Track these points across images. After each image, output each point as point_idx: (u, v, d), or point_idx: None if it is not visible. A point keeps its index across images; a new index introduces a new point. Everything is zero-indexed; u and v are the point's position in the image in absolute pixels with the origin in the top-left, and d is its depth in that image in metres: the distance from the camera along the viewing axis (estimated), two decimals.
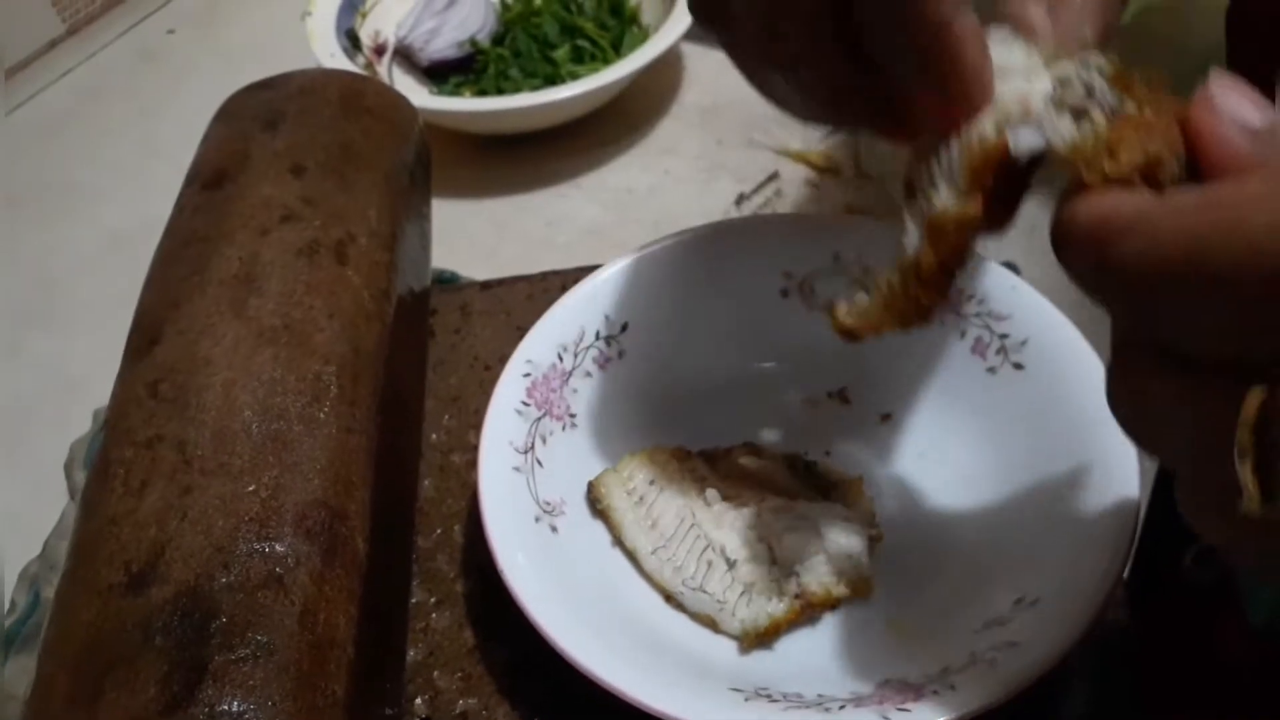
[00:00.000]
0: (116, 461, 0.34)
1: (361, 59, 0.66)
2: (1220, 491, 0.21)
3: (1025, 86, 0.27)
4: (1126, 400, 0.23)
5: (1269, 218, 0.19)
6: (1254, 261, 0.19)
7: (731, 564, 0.37)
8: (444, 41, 0.68)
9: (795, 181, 0.60)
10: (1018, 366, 0.39)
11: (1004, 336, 0.40)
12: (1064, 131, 0.25)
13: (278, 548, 0.31)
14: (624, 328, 0.43)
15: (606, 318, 0.43)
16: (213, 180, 0.41)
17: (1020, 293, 0.40)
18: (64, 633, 0.31)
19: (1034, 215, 0.52)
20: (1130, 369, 0.23)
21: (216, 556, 0.31)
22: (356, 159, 0.43)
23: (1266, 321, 0.20)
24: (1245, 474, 0.20)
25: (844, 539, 0.36)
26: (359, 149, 0.43)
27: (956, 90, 0.27)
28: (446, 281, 0.55)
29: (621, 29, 0.68)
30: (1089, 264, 0.23)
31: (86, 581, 0.31)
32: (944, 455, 0.41)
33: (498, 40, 0.69)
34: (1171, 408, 0.22)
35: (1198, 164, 0.23)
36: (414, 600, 0.40)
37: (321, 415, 0.35)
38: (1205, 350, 0.21)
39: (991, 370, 0.40)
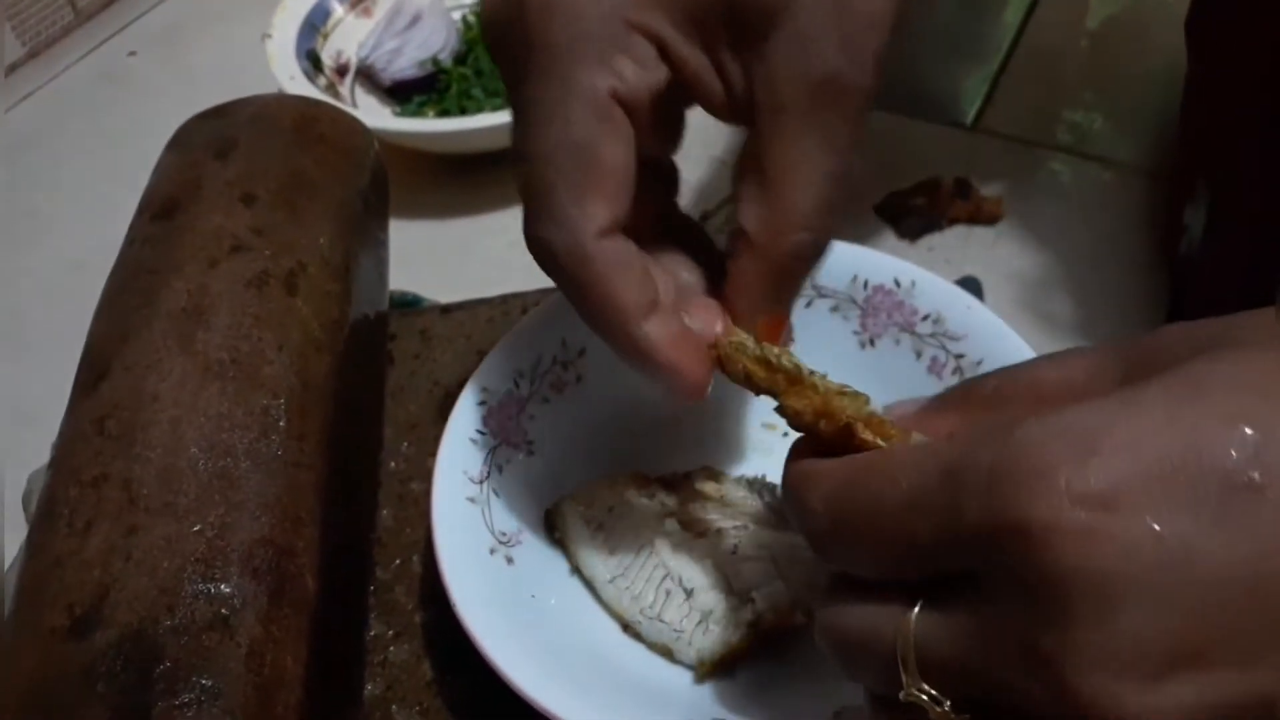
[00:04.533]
0: (62, 500, 0.33)
1: (323, 80, 0.66)
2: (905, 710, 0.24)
3: None
4: (825, 630, 0.26)
5: (889, 482, 0.24)
6: (873, 510, 0.24)
7: (689, 593, 0.37)
8: (406, 61, 0.67)
9: None
10: None
11: (959, 357, 0.40)
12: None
13: (224, 588, 0.31)
14: (581, 352, 0.43)
15: (564, 342, 0.42)
16: (163, 211, 0.41)
17: (975, 313, 0.40)
18: (7, 679, 0.30)
19: (997, 232, 0.53)
20: (826, 600, 0.27)
21: (161, 598, 0.30)
22: (309, 187, 0.42)
23: (901, 554, 0.24)
24: (915, 684, 0.23)
25: (801, 566, 0.36)
26: (311, 177, 0.43)
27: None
28: (408, 304, 0.55)
29: None
30: (793, 513, 0.27)
31: (30, 625, 0.31)
32: None
33: (460, 59, 0.69)
34: (858, 630, 0.25)
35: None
36: (372, 633, 0.39)
37: (269, 450, 0.34)
38: (871, 576, 0.25)
39: None
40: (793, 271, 0.33)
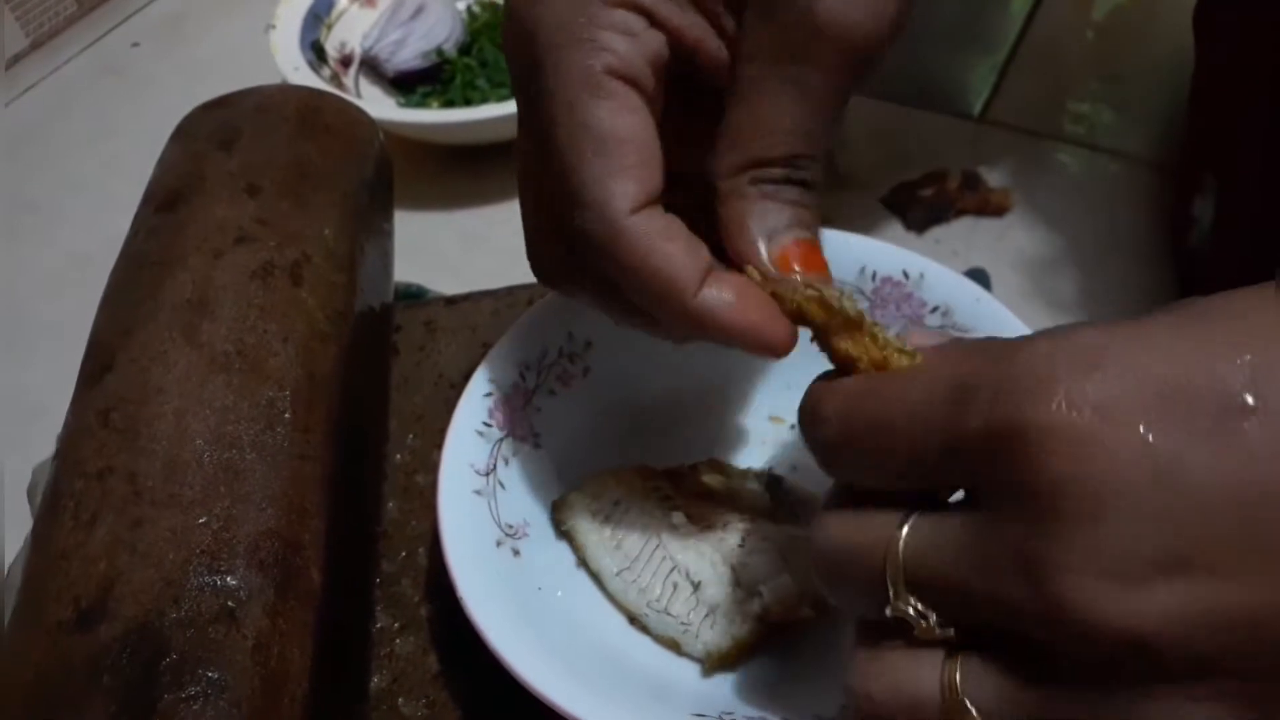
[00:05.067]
0: (67, 493, 0.33)
1: (327, 71, 0.66)
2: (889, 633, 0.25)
3: None
4: (818, 541, 0.27)
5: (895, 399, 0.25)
6: (883, 418, 0.25)
7: (696, 586, 0.37)
8: (410, 52, 0.67)
9: None
10: None
11: None
12: None
13: (229, 581, 0.31)
14: (588, 345, 0.42)
15: (570, 335, 0.42)
16: (167, 202, 0.41)
17: (984, 305, 0.40)
18: (12, 673, 0.30)
19: (1005, 223, 0.52)
20: (823, 513, 0.27)
21: (167, 591, 0.30)
22: (313, 178, 0.42)
23: (905, 464, 0.24)
24: (902, 597, 0.24)
25: (808, 558, 0.36)
26: (316, 167, 0.43)
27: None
28: (413, 296, 0.55)
29: None
30: (805, 424, 0.28)
31: (35, 619, 0.31)
32: None
33: (464, 50, 0.68)
34: (851, 539, 0.26)
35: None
36: (377, 626, 0.39)
37: (275, 442, 0.34)
38: (873, 485, 0.26)
39: None
40: (770, 192, 0.30)
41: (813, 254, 0.30)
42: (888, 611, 0.24)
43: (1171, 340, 0.22)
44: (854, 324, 0.28)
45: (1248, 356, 0.21)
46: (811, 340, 0.29)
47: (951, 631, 0.24)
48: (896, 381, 0.25)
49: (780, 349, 0.30)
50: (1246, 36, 0.48)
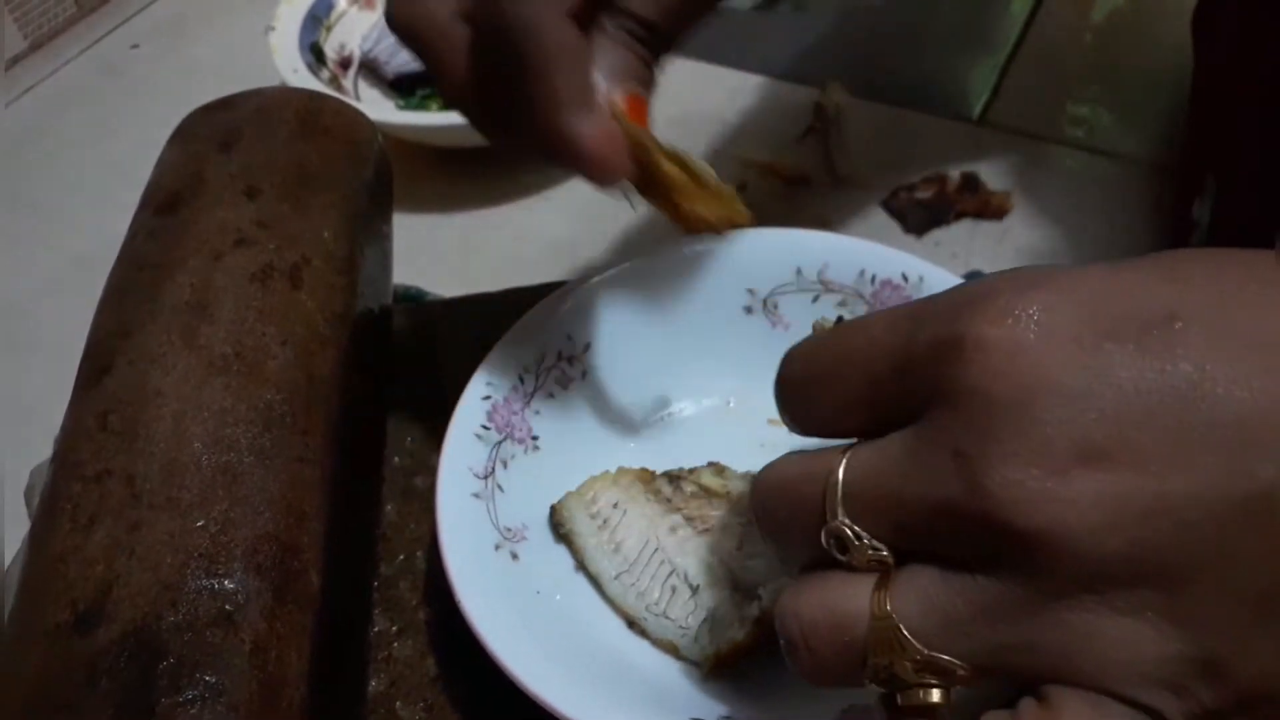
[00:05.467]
0: (65, 496, 0.33)
1: (326, 73, 0.66)
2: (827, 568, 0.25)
3: None
4: (759, 483, 0.28)
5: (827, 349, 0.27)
6: (843, 354, 0.26)
7: (695, 589, 0.37)
8: (409, 55, 0.67)
9: (764, 192, 0.60)
10: None
11: None
12: None
13: (227, 584, 0.31)
14: (586, 348, 0.42)
15: (568, 338, 0.42)
16: (166, 204, 0.41)
17: None
18: (10, 676, 0.30)
19: (1004, 226, 0.52)
20: (767, 466, 0.28)
21: (165, 594, 0.30)
22: (313, 180, 0.42)
23: (859, 393, 0.25)
24: (838, 516, 0.24)
25: None
26: (315, 170, 0.43)
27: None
28: (412, 298, 0.55)
29: None
30: (778, 381, 0.29)
31: (33, 622, 0.31)
32: None
33: None
34: (792, 476, 0.26)
35: None
36: (375, 629, 0.39)
37: (273, 445, 0.34)
38: (827, 418, 0.27)
39: None
40: (621, 39, 0.34)
41: (641, 107, 0.35)
42: (823, 538, 0.25)
43: (1111, 271, 0.23)
44: (701, 181, 0.30)
45: (1181, 285, 0.22)
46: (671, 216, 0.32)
47: (886, 552, 0.24)
48: (859, 323, 0.27)
49: (611, 180, 0.34)
50: (1246, 37, 0.48)
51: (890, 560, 0.24)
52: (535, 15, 0.31)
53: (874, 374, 0.25)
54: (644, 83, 0.35)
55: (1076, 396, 0.21)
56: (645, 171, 0.33)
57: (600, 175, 0.33)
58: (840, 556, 0.25)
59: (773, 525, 0.27)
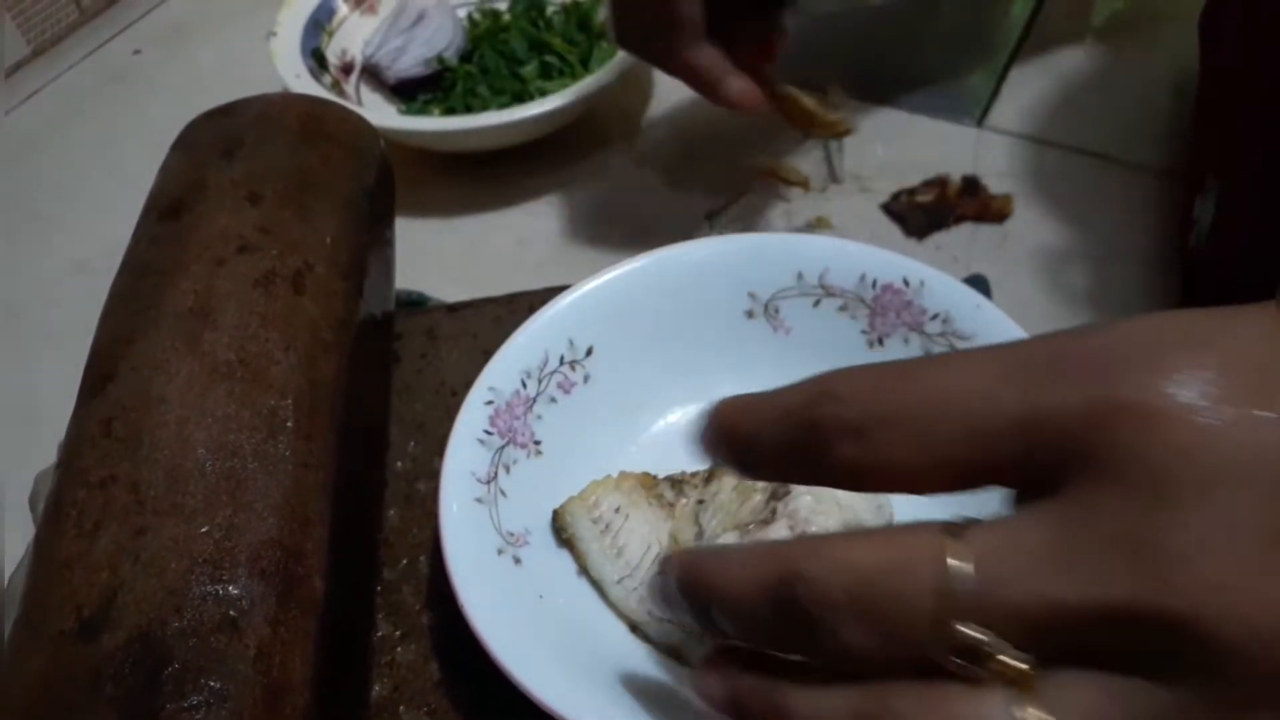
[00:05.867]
0: (69, 503, 0.33)
1: (328, 78, 0.66)
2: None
3: None
4: (830, 579, 0.23)
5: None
6: (929, 394, 0.22)
7: None
8: (411, 59, 0.67)
9: (766, 196, 0.60)
10: None
11: None
12: None
13: (231, 590, 0.31)
14: (588, 352, 0.43)
15: (570, 342, 0.42)
16: (169, 211, 0.41)
17: (984, 312, 0.40)
18: (14, 682, 0.30)
19: (1005, 229, 0.52)
20: (825, 547, 0.24)
21: (169, 600, 0.30)
22: (315, 186, 0.42)
23: (953, 445, 0.22)
24: (962, 623, 0.20)
25: None
26: (318, 175, 0.43)
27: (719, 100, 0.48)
28: (415, 303, 0.55)
29: (590, 44, 0.68)
30: (805, 407, 0.24)
31: (38, 627, 0.31)
32: None
33: (465, 57, 0.68)
34: (878, 567, 0.22)
35: None
36: (379, 634, 0.39)
37: (277, 451, 0.34)
38: (905, 473, 0.23)
39: None
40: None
41: (769, 49, 0.51)
42: (937, 650, 0.20)
43: (1275, 326, 0.21)
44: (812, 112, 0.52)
45: None
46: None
47: (1030, 660, 0.20)
48: (932, 363, 0.23)
49: (747, 105, 0.47)
50: (1253, 39, 0.48)
51: (1032, 670, 0.20)
52: (687, 39, 0.46)
53: (982, 429, 0.21)
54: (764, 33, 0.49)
55: (1270, 477, 0.19)
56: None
57: (712, 97, 0.47)
58: (958, 666, 0.20)
59: (841, 639, 0.21)
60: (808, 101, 0.51)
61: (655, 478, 0.41)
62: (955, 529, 0.21)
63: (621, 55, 0.61)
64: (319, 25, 0.68)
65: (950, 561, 0.20)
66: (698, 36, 0.46)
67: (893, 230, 0.57)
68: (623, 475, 0.41)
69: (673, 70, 0.48)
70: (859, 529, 0.23)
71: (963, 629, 0.20)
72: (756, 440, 0.25)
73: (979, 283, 0.52)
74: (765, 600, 0.23)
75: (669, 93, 0.68)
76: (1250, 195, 0.47)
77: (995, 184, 0.59)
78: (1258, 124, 0.46)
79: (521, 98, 0.65)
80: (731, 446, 0.26)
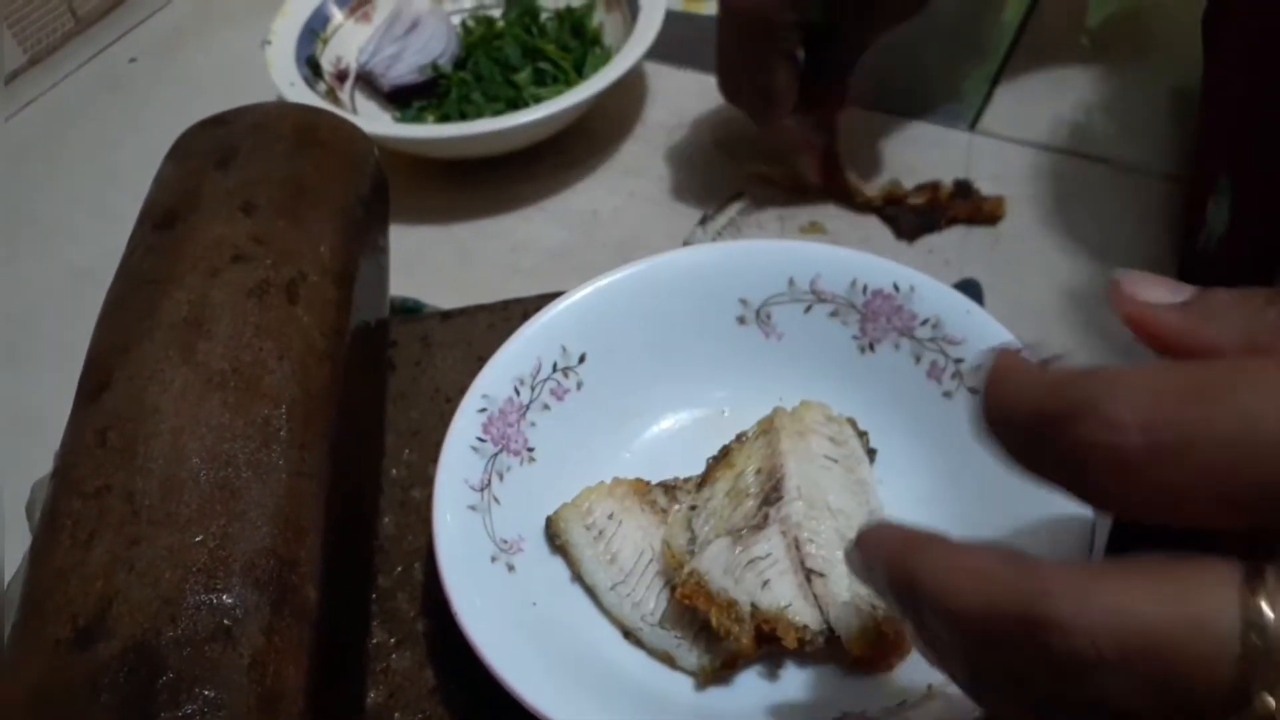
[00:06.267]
0: (65, 512, 0.33)
1: (323, 86, 0.66)
2: None
3: None
4: (1095, 630, 0.20)
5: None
6: (1234, 423, 0.18)
7: None
8: (406, 67, 0.67)
9: (759, 201, 0.60)
10: (973, 391, 0.39)
11: (959, 361, 0.40)
12: None
13: (226, 599, 0.31)
14: (581, 359, 0.43)
15: (563, 349, 0.43)
16: (164, 220, 0.41)
17: (975, 317, 0.40)
18: (10, 690, 0.30)
19: (997, 232, 0.52)
20: (1073, 586, 0.20)
21: (164, 609, 0.30)
22: (309, 195, 0.43)
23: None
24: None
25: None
26: (312, 185, 0.43)
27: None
28: (410, 310, 0.55)
29: (583, 50, 0.68)
30: (1071, 427, 0.20)
31: (34, 636, 0.31)
32: (901, 478, 0.41)
33: (459, 64, 0.69)
34: (1161, 619, 0.19)
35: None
36: (374, 641, 0.40)
37: (270, 460, 0.34)
38: (1186, 521, 0.19)
39: (947, 395, 0.40)
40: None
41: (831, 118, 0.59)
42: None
43: None
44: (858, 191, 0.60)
45: None
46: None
47: None
48: (1249, 371, 0.19)
49: (813, 180, 0.59)
50: (1259, 35, 0.48)
51: None
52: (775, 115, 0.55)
53: None
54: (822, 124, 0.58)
55: None
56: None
57: (790, 155, 0.58)
58: None
59: (1106, 699, 0.19)
60: (852, 177, 0.59)
61: (648, 484, 0.41)
62: (1255, 572, 0.18)
63: (615, 61, 0.61)
64: (314, 33, 0.68)
65: (1262, 618, 0.17)
66: (789, 107, 0.54)
67: (884, 233, 0.57)
68: (616, 482, 0.41)
69: (765, 133, 0.57)
70: (1118, 561, 0.18)
71: (1272, 700, 0.17)
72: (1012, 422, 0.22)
73: (972, 287, 0.52)
74: (1001, 635, 0.20)
75: (663, 99, 0.68)
76: (1266, 195, 0.47)
77: (988, 187, 0.59)
78: (1267, 124, 0.46)
79: (516, 104, 0.65)
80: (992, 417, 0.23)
